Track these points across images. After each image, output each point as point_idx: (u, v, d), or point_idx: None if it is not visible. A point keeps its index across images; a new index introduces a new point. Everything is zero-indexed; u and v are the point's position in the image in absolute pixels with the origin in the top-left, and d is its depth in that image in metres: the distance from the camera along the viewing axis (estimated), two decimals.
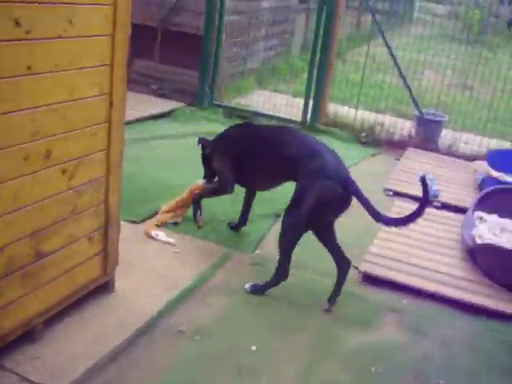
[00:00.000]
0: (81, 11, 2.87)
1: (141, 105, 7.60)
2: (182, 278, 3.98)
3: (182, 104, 8.09)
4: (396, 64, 7.66)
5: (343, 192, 3.78)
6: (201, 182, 4.77)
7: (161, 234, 4.49)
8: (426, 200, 3.69)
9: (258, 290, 3.99)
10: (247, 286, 4.00)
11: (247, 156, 4.35)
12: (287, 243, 3.93)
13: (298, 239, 3.91)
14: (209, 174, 4.73)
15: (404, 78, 7.67)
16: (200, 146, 4.70)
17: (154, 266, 4.11)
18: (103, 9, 3.03)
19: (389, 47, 7.61)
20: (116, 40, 3.14)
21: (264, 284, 4.00)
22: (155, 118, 7.54)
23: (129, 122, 6.62)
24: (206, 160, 4.68)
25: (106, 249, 3.50)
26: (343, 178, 3.83)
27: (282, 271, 3.96)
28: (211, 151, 4.60)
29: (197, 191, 4.70)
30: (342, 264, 4.03)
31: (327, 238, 4.05)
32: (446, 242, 4.96)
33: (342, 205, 3.85)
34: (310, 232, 4.73)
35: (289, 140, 4.16)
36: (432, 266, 4.50)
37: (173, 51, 8.20)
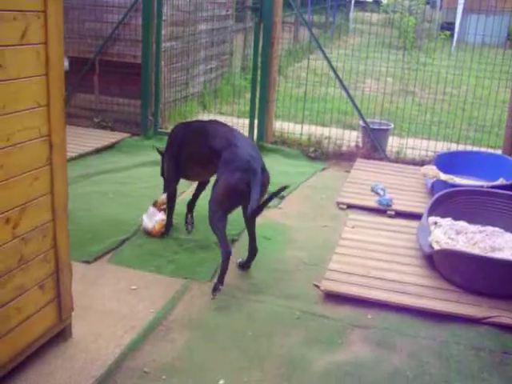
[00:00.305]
0: (10, 53, 2.76)
1: (84, 139, 7.39)
2: (141, 316, 3.86)
3: (127, 134, 7.94)
4: (337, 76, 7.68)
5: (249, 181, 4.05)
6: (164, 195, 5.09)
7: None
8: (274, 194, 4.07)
9: (218, 286, 4.16)
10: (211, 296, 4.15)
11: (185, 153, 4.73)
12: (214, 226, 4.21)
13: (222, 220, 4.19)
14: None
15: (346, 89, 7.70)
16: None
17: (111, 306, 3.97)
18: (34, 48, 2.91)
19: (328, 60, 7.62)
20: (51, 78, 3.03)
21: (219, 276, 4.18)
22: (100, 151, 7.32)
23: (73, 159, 6.49)
24: None
25: (59, 295, 3.36)
26: (252, 167, 4.07)
27: (223, 251, 4.16)
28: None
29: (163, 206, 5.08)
30: (252, 252, 4.52)
31: (247, 223, 4.46)
32: (404, 250, 4.94)
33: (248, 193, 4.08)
34: (271, 253, 4.71)
35: (213, 133, 4.49)
36: (393, 276, 4.47)
37: (112, 82, 8.08)
